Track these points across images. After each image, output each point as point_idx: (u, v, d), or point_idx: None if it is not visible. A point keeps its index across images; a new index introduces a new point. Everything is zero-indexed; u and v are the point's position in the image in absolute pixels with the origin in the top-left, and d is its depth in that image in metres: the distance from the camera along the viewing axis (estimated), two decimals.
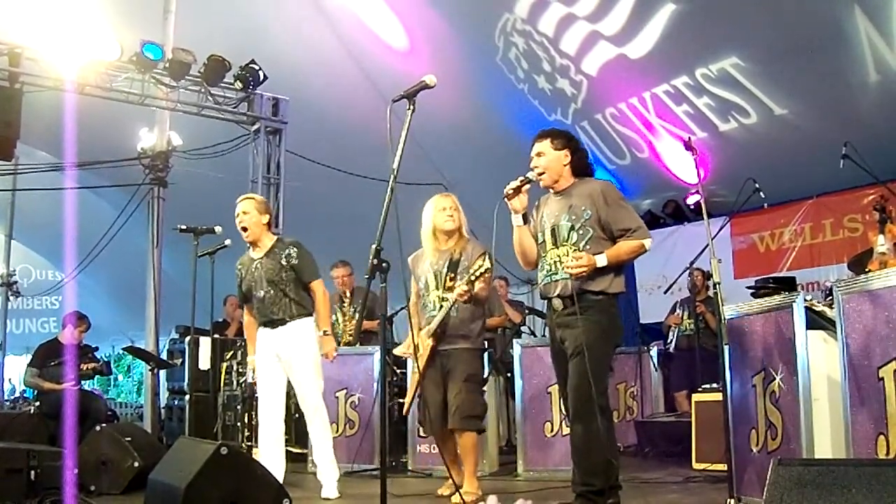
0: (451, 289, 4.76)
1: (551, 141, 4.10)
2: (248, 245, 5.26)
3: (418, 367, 4.78)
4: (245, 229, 5.15)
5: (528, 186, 4.05)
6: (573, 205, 4.02)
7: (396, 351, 5.26)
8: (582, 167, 4.15)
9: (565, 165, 4.09)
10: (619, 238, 3.97)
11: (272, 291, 5.08)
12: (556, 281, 4.01)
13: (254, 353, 5.25)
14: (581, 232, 3.96)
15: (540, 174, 4.07)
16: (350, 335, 7.62)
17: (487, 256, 4.70)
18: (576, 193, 4.06)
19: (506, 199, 4.04)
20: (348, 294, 7.85)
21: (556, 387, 5.72)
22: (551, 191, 4.18)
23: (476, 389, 4.85)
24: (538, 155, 4.10)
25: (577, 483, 3.87)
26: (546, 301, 4.15)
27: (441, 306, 4.78)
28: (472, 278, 4.64)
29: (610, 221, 3.95)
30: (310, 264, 5.22)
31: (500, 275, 8.43)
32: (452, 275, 4.80)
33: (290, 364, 5.07)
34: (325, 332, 5.11)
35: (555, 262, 4.04)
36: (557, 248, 4.04)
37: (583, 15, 8.56)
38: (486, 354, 5.13)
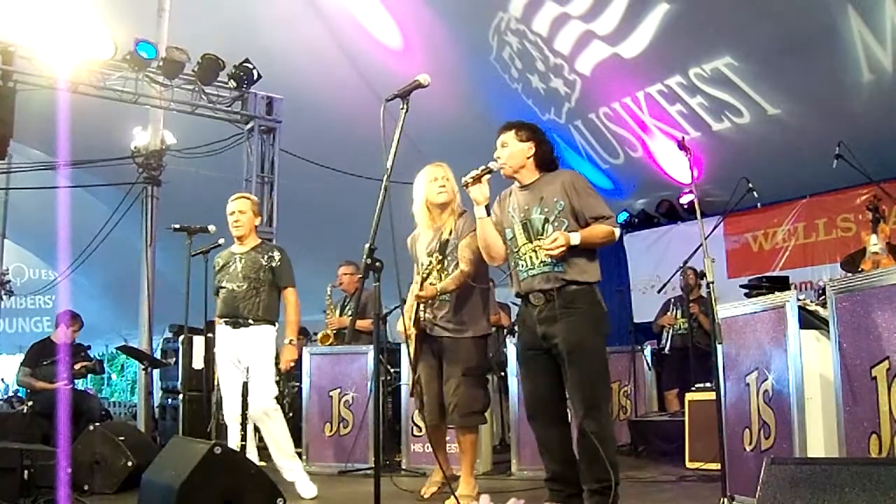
0: (441, 272, 4.64)
1: (516, 132, 4.03)
2: (233, 241, 5.29)
3: (409, 352, 4.68)
4: (239, 226, 5.19)
5: (489, 176, 3.95)
6: (544, 197, 3.94)
7: (398, 326, 4.95)
8: (546, 161, 4.06)
9: (528, 158, 4.01)
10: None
11: (245, 287, 5.09)
12: (535, 276, 3.93)
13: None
14: (556, 224, 3.87)
15: (502, 165, 4.00)
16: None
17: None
18: (545, 186, 3.98)
19: (465, 188, 3.97)
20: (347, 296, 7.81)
21: None
22: (516, 184, 4.10)
23: (476, 383, 4.64)
24: (502, 145, 4.04)
25: (589, 481, 3.76)
26: (522, 299, 4.04)
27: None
28: (426, 275, 4.55)
29: (583, 209, 3.88)
30: (289, 270, 5.23)
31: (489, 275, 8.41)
32: (441, 256, 4.67)
33: (248, 368, 5.03)
34: (290, 340, 5.09)
35: (530, 257, 3.96)
36: (531, 242, 3.95)
37: (576, 14, 8.58)
38: (487, 342, 4.87)
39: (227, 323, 5.14)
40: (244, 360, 5.02)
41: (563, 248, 3.73)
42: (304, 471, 5.09)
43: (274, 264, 5.15)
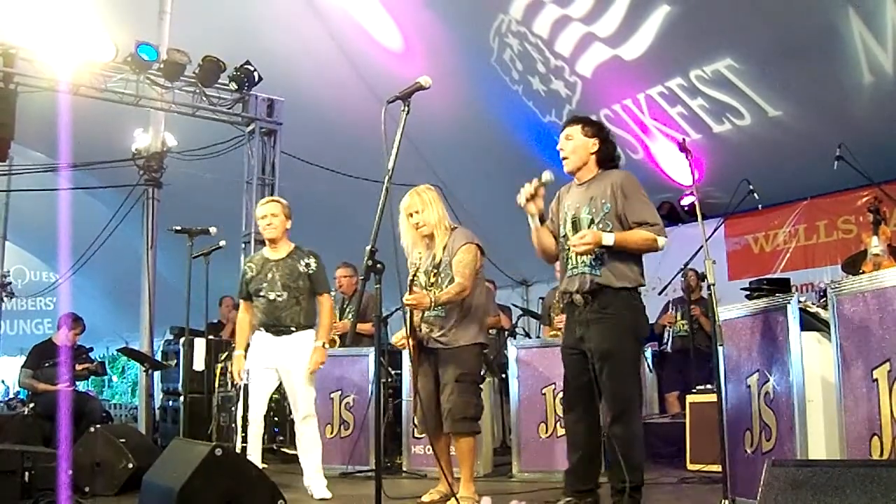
0: (436, 287, 4.62)
1: (583, 127, 4.05)
2: (263, 244, 5.30)
3: (411, 359, 4.69)
4: (271, 229, 5.19)
5: (542, 190, 3.97)
6: (594, 197, 3.93)
7: (392, 339, 4.99)
8: (608, 159, 4.07)
9: (592, 154, 4.02)
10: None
11: (286, 296, 5.11)
12: (575, 276, 3.94)
13: (241, 349, 5.26)
14: (601, 226, 3.86)
15: (564, 158, 4.03)
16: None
17: (470, 248, 4.58)
18: (597, 185, 3.97)
19: (522, 207, 3.99)
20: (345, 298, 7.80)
21: (551, 388, 5.75)
22: (575, 180, 4.10)
23: (468, 389, 4.59)
24: (567, 138, 4.04)
25: (616, 480, 3.85)
26: (564, 297, 4.05)
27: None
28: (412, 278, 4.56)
29: (626, 213, 3.85)
30: (324, 276, 5.30)
31: (489, 276, 8.40)
32: (436, 271, 4.66)
33: (290, 373, 5.06)
34: (322, 343, 5.10)
35: (574, 256, 3.94)
36: None
37: (577, 16, 8.58)
38: (482, 351, 4.86)
39: (268, 330, 5.15)
40: (286, 366, 5.06)
41: (590, 246, 3.75)
42: (323, 484, 5.05)
43: (311, 271, 5.18)
